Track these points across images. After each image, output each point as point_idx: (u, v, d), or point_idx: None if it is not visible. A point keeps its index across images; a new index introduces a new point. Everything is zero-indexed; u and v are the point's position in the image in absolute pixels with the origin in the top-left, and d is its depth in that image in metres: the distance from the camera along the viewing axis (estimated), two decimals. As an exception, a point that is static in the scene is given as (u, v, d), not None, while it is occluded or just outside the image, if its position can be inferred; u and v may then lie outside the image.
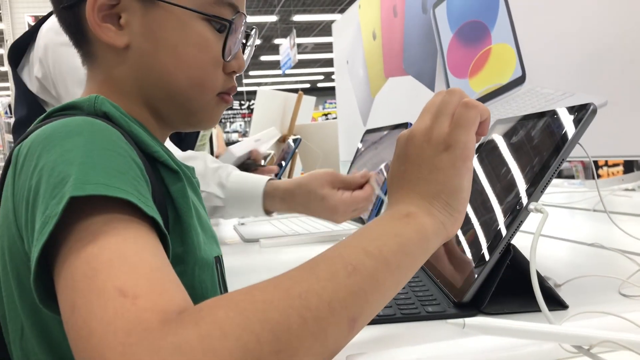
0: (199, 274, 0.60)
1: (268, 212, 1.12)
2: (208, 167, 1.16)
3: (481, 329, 0.43)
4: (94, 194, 0.42)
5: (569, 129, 0.60)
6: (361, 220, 1.20)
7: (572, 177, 5.78)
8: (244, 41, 0.70)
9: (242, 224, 1.44)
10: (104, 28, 0.59)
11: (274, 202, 1.11)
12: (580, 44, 1.07)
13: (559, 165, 0.59)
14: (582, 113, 0.59)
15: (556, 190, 1.82)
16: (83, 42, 0.63)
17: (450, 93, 0.53)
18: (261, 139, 1.72)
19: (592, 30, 1.04)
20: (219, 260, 0.66)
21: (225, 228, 1.46)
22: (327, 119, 11.83)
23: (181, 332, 0.36)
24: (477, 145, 0.54)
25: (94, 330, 0.36)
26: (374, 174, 1.05)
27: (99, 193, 0.43)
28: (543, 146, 0.63)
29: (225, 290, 0.68)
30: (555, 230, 1.08)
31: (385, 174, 1.14)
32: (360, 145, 1.52)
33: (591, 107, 0.59)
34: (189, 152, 1.24)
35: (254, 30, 0.72)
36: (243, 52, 0.69)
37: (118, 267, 0.40)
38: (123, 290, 0.38)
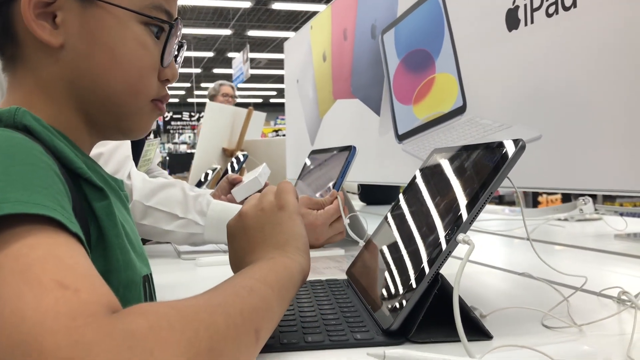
0: (124, 294, 0.58)
1: None
2: (187, 194, 1.21)
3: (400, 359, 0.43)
4: (12, 213, 0.40)
5: (499, 162, 0.61)
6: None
7: (513, 202, 5.95)
8: (177, 51, 0.69)
9: (181, 240, 1.41)
10: (39, 25, 0.57)
11: None
12: (520, 79, 1.11)
13: (488, 197, 0.60)
14: (511, 149, 0.61)
15: (495, 217, 1.87)
16: (8, 44, 0.60)
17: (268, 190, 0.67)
18: (259, 178, 1.66)
19: (531, 67, 1.08)
20: (147, 279, 0.65)
21: (163, 244, 1.43)
22: (278, 135, 11.82)
23: (131, 321, 0.36)
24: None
25: (27, 317, 0.34)
26: (340, 193, 1.20)
27: (17, 211, 0.40)
28: (474, 178, 0.65)
29: None
30: (490, 258, 1.10)
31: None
32: (307, 163, 1.53)
33: (520, 143, 0.60)
34: (163, 180, 1.25)
35: (185, 43, 0.71)
36: (175, 61, 0.69)
37: (53, 264, 0.38)
38: (63, 283, 0.36)
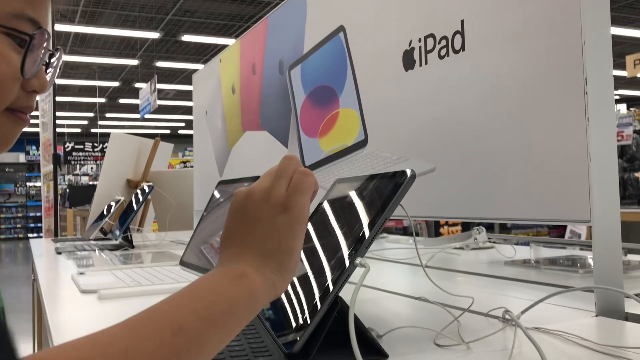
0: None
1: None
2: None
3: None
4: None
5: (392, 192, 0.66)
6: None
7: (416, 233, 6.14)
8: (47, 60, 0.65)
9: (82, 273, 1.37)
10: None
11: None
12: (416, 114, 1.19)
13: (383, 223, 0.64)
14: (402, 178, 0.66)
15: (399, 246, 1.94)
16: None
17: (289, 159, 0.57)
18: None
19: (426, 103, 1.16)
20: None
21: (63, 278, 1.37)
22: (186, 166, 11.61)
23: None
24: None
25: None
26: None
27: None
28: (371, 206, 0.69)
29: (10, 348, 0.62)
30: (391, 285, 1.15)
31: None
32: (215, 195, 1.53)
33: (409, 174, 0.65)
34: None
35: (59, 50, 0.67)
36: (46, 71, 0.65)
37: None
38: None
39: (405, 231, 6.31)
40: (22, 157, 16.24)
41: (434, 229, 5.56)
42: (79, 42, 9.53)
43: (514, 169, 0.98)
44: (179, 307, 0.45)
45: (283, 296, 0.75)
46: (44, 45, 0.61)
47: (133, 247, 2.07)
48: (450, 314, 0.82)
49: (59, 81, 11.58)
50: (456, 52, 1.09)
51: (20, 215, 15.79)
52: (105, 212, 2.59)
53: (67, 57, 10.12)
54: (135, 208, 2.21)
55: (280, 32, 1.73)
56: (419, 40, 1.17)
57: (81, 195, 8.71)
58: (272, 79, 1.78)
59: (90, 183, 12.75)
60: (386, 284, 1.15)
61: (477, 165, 1.05)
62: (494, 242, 1.79)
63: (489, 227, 1.69)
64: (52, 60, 0.66)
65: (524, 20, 0.97)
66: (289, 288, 0.73)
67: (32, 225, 15.63)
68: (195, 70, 2.97)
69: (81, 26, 8.59)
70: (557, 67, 0.91)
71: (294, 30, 1.62)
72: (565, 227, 4.24)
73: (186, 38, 9.38)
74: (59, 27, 8.34)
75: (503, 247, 1.70)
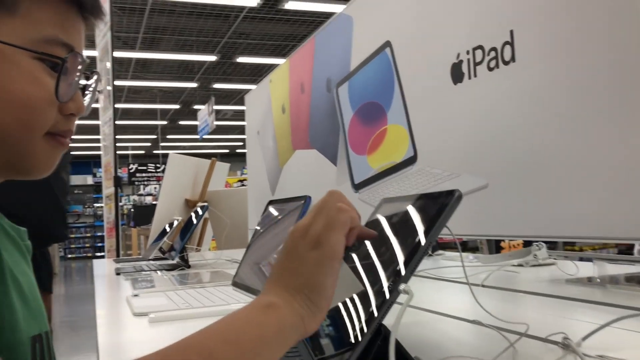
0: (8, 357, 0.55)
1: None
2: None
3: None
4: None
5: (438, 213, 0.63)
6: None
7: (476, 248, 5.98)
8: (84, 83, 0.66)
9: (136, 295, 1.39)
10: None
11: None
12: (466, 129, 1.15)
13: (427, 248, 0.61)
14: (449, 199, 0.63)
15: (454, 264, 1.89)
16: None
17: (330, 194, 0.58)
18: None
19: (477, 117, 1.12)
20: (39, 339, 0.61)
21: (119, 299, 1.40)
22: (243, 184, 11.78)
23: None
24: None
25: None
26: None
27: None
28: (415, 228, 0.66)
29: None
30: (442, 306, 1.11)
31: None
32: (264, 216, 1.53)
33: (457, 194, 0.62)
34: None
35: (95, 74, 0.68)
36: (83, 95, 0.65)
37: None
38: None
39: (465, 246, 6.14)
40: (89, 179, 16.92)
41: (495, 244, 5.39)
42: (140, 67, 9.90)
43: (574, 185, 0.92)
44: (211, 335, 0.46)
45: (326, 322, 0.73)
46: (78, 68, 0.62)
47: (189, 266, 2.10)
48: (506, 338, 0.78)
49: (123, 105, 12.05)
50: (506, 63, 1.05)
51: (88, 235, 16.42)
52: (166, 231, 2.64)
53: (129, 82, 10.52)
54: (190, 228, 2.24)
55: (328, 50, 1.72)
56: (467, 53, 1.14)
57: (145, 214, 8.96)
58: (320, 97, 1.78)
59: (154, 202, 13.13)
60: (438, 306, 1.11)
61: (534, 181, 1.00)
62: (554, 259, 1.71)
63: (552, 242, 1.61)
64: (89, 82, 0.67)
65: (578, 27, 0.92)
66: (334, 313, 0.71)
67: (99, 244, 16.22)
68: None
69: (142, 52, 8.93)
70: (621, 75, 0.86)
71: (340, 48, 1.61)
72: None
73: (241, 60, 9.58)
74: (122, 53, 8.69)
75: (565, 264, 1.62)
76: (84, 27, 0.64)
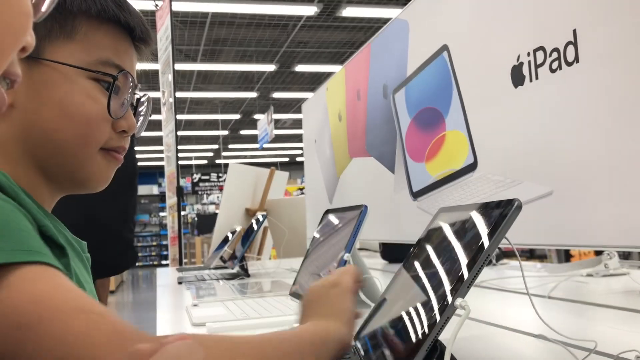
0: None
1: None
2: None
3: None
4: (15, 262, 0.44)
5: (496, 224, 0.60)
6: None
7: (544, 256, 5.76)
8: (134, 103, 0.71)
9: (195, 305, 1.41)
10: None
11: None
12: (528, 134, 1.10)
13: (485, 260, 0.59)
14: (507, 209, 0.60)
15: (516, 274, 1.82)
16: None
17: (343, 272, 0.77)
18: None
19: (539, 122, 1.08)
20: None
21: (179, 308, 1.42)
22: (303, 192, 11.84)
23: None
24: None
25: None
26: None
27: (22, 260, 0.44)
28: (473, 240, 0.63)
29: None
30: (505, 319, 1.06)
31: (345, 255, 1.14)
32: (321, 226, 1.52)
33: (516, 203, 0.59)
34: None
35: (145, 95, 0.74)
36: (135, 115, 0.71)
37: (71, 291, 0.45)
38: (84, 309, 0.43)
39: (531, 254, 5.90)
40: (155, 189, 17.47)
41: (564, 252, 5.16)
42: (202, 79, 10.14)
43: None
44: (276, 335, 0.56)
45: (381, 334, 0.71)
46: (130, 87, 0.68)
47: (249, 275, 2.11)
48: (573, 355, 0.73)
49: (186, 117, 12.38)
50: (569, 64, 1.00)
51: (154, 243, 16.93)
52: (227, 239, 2.68)
53: (191, 94, 10.79)
54: (250, 237, 2.26)
55: (383, 56, 1.70)
56: (528, 54, 1.09)
57: (208, 223, 9.18)
58: (376, 104, 1.75)
59: (216, 211, 13.42)
60: (501, 318, 1.06)
61: (603, 187, 0.94)
62: (627, 269, 1.61)
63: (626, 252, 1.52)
64: (141, 101, 0.72)
65: (647, 23, 0.86)
66: (388, 327, 0.69)
67: (164, 252, 16.69)
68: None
69: (203, 64, 9.15)
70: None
71: (396, 53, 1.59)
72: None
73: (300, 68, 9.66)
74: (184, 66, 8.93)
75: (639, 274, 1.53)
76: (136, 54, 0.70)
